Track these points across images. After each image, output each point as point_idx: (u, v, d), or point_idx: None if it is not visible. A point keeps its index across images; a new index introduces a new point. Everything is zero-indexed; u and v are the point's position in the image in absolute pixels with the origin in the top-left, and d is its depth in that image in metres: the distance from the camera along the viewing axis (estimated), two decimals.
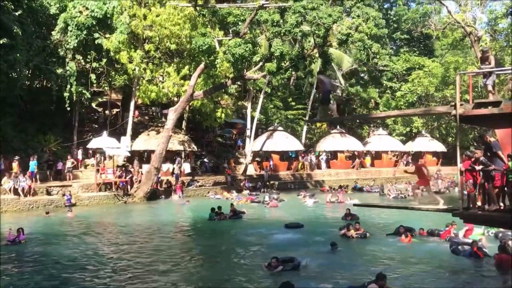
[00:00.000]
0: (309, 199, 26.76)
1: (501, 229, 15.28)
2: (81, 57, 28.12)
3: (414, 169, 13.61)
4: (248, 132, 35.65)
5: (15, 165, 23.53)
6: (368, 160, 40.85)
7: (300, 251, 14.15)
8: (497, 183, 9.28)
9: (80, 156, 28.44)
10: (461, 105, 9.41)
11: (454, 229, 15.84)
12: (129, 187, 26.47)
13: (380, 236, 16.70)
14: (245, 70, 26.45)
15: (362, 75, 50.17)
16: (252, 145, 35.09)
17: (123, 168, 27.65)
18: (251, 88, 35.57)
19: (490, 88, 10.27)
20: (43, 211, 21.31)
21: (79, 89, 27.82)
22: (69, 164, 26.21)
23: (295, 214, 21.85)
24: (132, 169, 27.89)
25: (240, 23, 25.76)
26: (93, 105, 36.83)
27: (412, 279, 11.68)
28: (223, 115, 32.11)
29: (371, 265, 12.78)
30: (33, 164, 23.78)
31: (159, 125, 31.70)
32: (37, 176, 24.44)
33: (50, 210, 21.54)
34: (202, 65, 25.85)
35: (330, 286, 10.39)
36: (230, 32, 26.96)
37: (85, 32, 26.79)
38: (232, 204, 21.97)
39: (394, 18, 53.82)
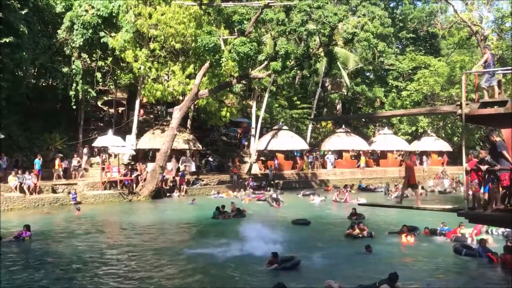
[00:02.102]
0: (316, 197, 26.72)
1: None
2: (86, 56, 28.21)
3: None
4: (253, 131, 35.63)
5: (57, 162, 24.82)
6: (362, 160, 39.72)
7: (307, 249, 14.12)
8: (503, 183, 9.21)
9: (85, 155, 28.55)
10: (467, 104, 9.35)
11: (462, 229, 15.76)
12: (134, 185, 26.56)
13: (385, 236, 16.66)
14: (250, 69, 26.44)
15: (367, 74, 50.06)
16: (256, 144, 35.07)
17: (129, 167, 27.74)
18: (256, 87, 35.55)
19: (484, 86, 10.11)
20: (49, 209, 21.43)
21: (85, 88, 27.91)
22: (74, 162, 26.36)
23: (300, 212, 21.80)
24: (138, 167, 27.97)
25: (245, 22, 25.73)
26: (99, 103, 37.02)
27: (417, 278, 11.62)
28: (228, 114, 32.09)
29: (377, 264, 12.73)
30: (38, 162, 23.92)
31: (164, 123, 31.75)
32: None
33: (53, 208, 21.69)
34: (207, 64, 25.86)
35: (336, 285, 10.33)
36: (235, 30, 26.93)
37: (90, 30, 26.87)
38: (232, 203, 21.96)
39: (400, 17, 53.61)
